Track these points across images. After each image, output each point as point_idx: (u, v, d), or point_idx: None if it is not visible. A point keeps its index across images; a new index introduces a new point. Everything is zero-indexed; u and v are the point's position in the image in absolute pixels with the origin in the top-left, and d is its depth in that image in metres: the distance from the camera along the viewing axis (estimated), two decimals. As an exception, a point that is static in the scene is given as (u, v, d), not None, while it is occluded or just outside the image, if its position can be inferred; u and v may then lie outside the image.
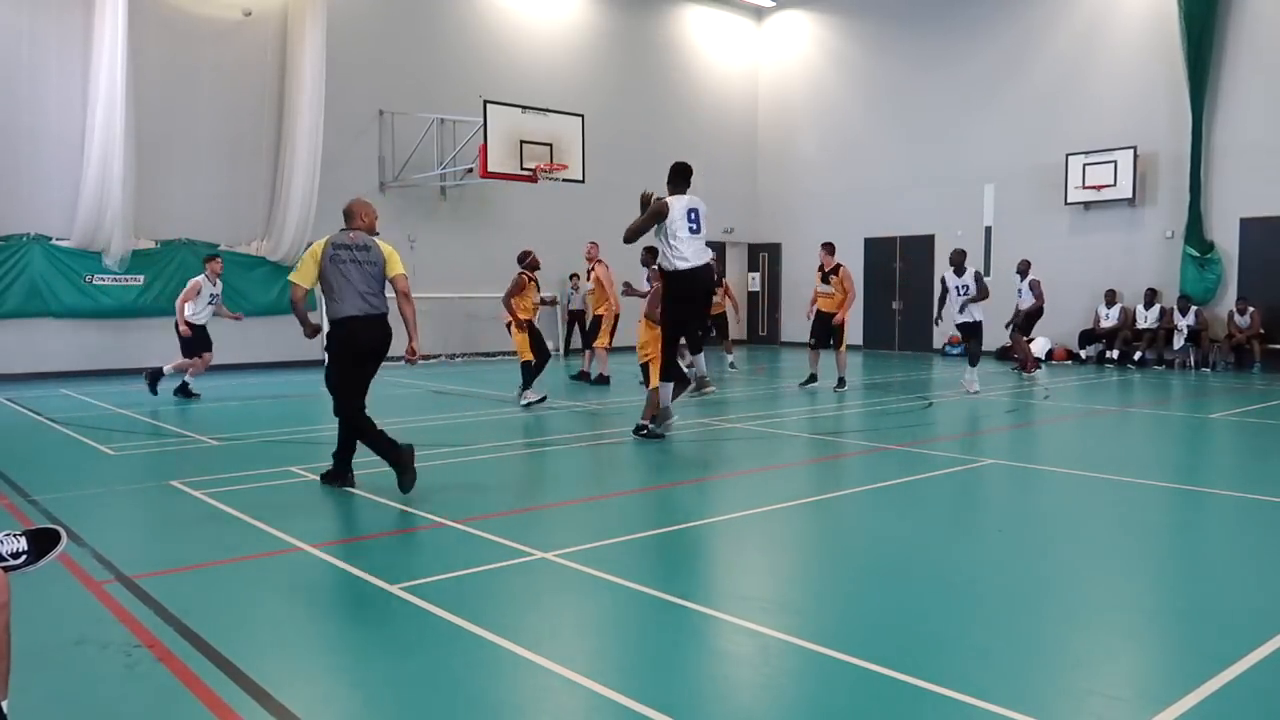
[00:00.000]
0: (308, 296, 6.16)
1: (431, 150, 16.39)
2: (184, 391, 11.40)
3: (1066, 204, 17.12)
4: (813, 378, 12.46)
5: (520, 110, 15.34)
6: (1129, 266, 16.54)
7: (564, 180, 15.89)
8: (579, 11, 19.25)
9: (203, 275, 11.55)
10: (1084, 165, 16.68)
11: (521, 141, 15.18)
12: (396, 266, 6.17)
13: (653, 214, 7.63)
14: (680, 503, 5.96)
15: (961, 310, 12.20)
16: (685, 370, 8.19)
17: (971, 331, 12.25)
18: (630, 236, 7.73)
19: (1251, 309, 14.95)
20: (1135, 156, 16.16)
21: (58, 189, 13.57)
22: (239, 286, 15.09)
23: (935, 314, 12.78)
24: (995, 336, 18.11)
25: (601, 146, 17.71)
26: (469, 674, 3.24)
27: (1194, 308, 15.45)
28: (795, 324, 22.02)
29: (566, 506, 5.88)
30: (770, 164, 22.34)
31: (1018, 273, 14.99)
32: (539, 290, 11.23)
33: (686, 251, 7.54)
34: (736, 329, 19.86)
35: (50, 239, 13.59)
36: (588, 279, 13.85)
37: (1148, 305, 16.05)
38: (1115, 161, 16.31)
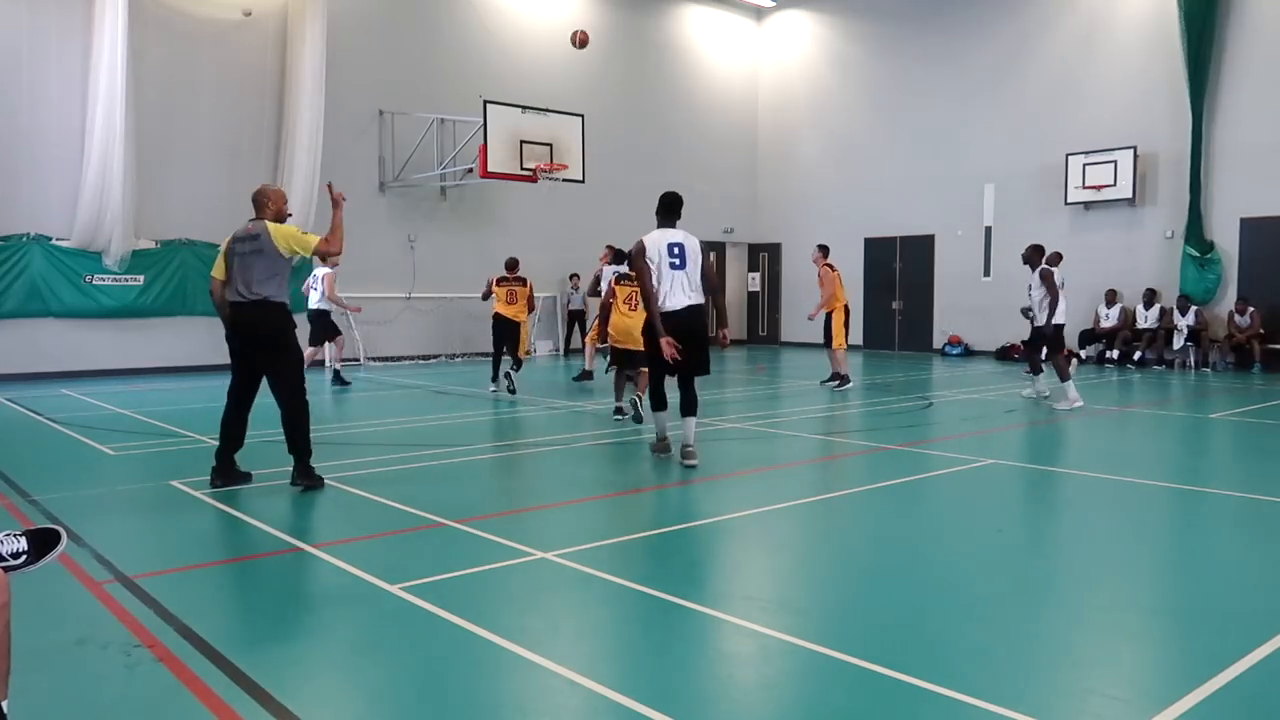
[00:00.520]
0: (225, 288, 6.15)
1: (431, 150, 16.39)
2: (338, 378, 12.77)
3: (1066, 204, 17.12)
4: (835, 376, 12.66)
5: (520, 110, 15.34)
6: (1129, 266, 16.54)
7: (564, 180, 15.89)
8: (579, 12, 19.24)
9: (332, 270, 12.48)
10: (1084, 165, 16.68)
11: (521, 141, 15.18)
12: (296, 245, 6.05)
13: (634, 255, 6.97)
14: (680, 503, 5.96)
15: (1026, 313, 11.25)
16: (661, 440, 7.33)
17: (1034, 339, 11.13)
18: (644, 280, 6.85)
19: (1251, 309, 14.95)
20: (1135, 156, 16.16)
21: (58, 189, 13.57)
22: (239, 286, 15.09)
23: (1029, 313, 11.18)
24: (994, 335, 18.15)
25: (601, 146, 17.72)
26: (469, 674, 3.24)
27: (1194, 307, 15.45)
28: (795, 324, 22.03)
29: (566, 506, 5.88)
30: (770, 164, 22.34)
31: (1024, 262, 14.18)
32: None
33: (666, 290, 6.80)
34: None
35: (50, 239, 13.59)
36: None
37: (1147, 305, 16.06)
38: (1115, 161, 16.31)
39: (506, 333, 11.90)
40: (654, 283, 6.81)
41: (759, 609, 3.87)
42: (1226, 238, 15.56)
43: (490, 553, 4.66)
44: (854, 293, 20.58)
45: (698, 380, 7.29)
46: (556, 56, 18.85)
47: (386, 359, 16.50)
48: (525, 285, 12.16)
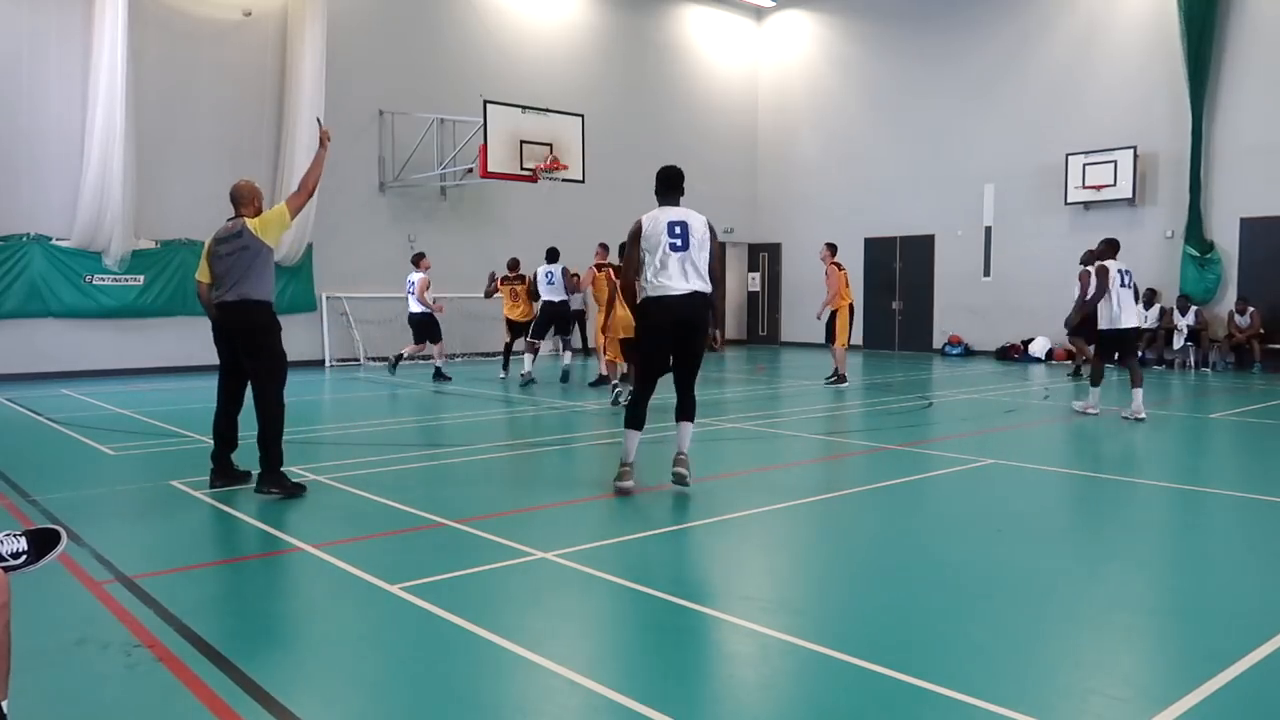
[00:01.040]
0: (211, 290, 6.17)
1: (431, 150, 16.38)
2: (393, 370, 13.84)
3: (1066, 204, 17.12)
4: (840, 377, 12.87)
5: (520, 110, 15.33)
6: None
7: (564, 180, 15.89)
8: (579, 11, 19.25)
9: (422, 270, 13.48)
10: (1084, 165, 16.68)
11: (521, 141, 15.18)
12: (275, 224, 6.04)
13: (629, 236, 6.26)
14: (680, 503, 5.96)
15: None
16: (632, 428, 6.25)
17: (1101, 343, 10.18)
18: (623, 282, 6.34)
19: (1251, 309, 14.95)
20: (1135, 156, 16.16)
21: (58, 189, 13.57)
22: (239, 286, 15.09)
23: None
24: (994, 335, 18.14)
25: (601, 146, 17.72)
26: (469, 674, 3.24)
27: (1194, 307, 15.45)
28: (795, 324, 22.03)
29: (566, 506, 5.88)
30: (770, 164, 22.34)
31: (1081, 263, 13.61)
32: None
33: (664, 272, 5.99)
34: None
35: (50, 239, 13.59)
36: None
37: (1147, 305, 16.05)
38: (1115, 161, 16.31)
39: (518, 332, 13.48)
40: (644, 270, 6.03)
41: (759, 609, 3.87)
42: (1226, 238, 15.56)
43: (490, 553, 4.66)
44: (854, 293, 20.62)
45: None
46: (556, 56, 18.86)
47: (386, 359, 16.47)
48: (524, 282, 13.34)
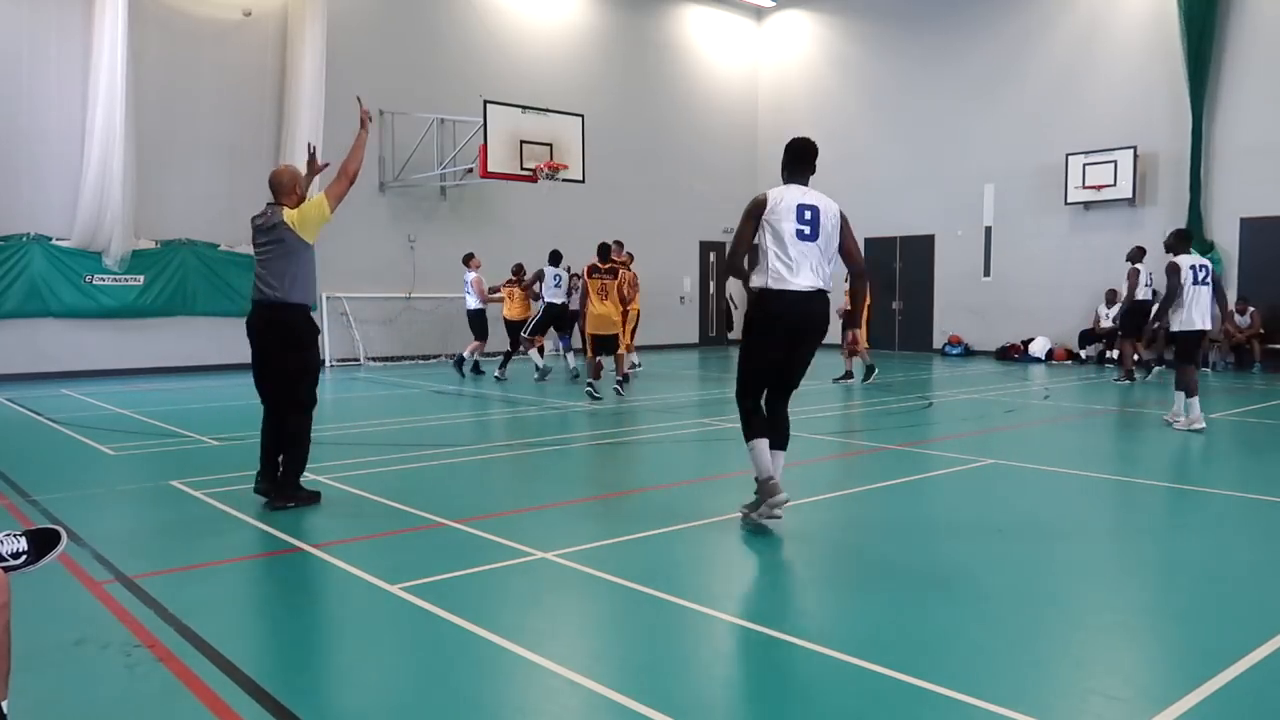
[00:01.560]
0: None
1: (431, 150, 16.38)
2: (475, 369, 14.33)
3: (1066, 204, 17.12)
4: (870, 369, 13.24)
5: (520, 110, 15.33)
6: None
7: (564, 180, 15.89)
8: (579, 11, 19.25)
9: (474, 269, 14.29)
10: (1084, 165, 16.67)
11: (521, 141, 15.18)
12: (314, 218, 5.55)
13: (745, 213, 5.15)
14: (680, 503, 5.96)
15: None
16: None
17: (1179, 348, 9.16)
18: (730, 261, 5.31)
19: (1252, 309, 14.95)
20: (1135, 156, 16.15)
21: (58, 189, 13.58)
22: (238, 286, 15.09)
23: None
24: (994, 335, 18.14)
25: (601, 146, 17.72)
26: (469, 674, 3.24)
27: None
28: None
29: (566, 506, 5.88)
30: (770, 164, 22.22)
31: (1128, 259, 13.80)
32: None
33: (786, 263, 5.00)
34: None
35: (50, 239, 13.59)
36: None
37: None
38: (1115, 161, 16.30)
39: (516, 333, 14.10)
40: (762, 257, 5.04)
41: (759, 609, 3.87)
42: (1226, 238, 15.55)
43: (490, 553, 4.66)
44: (854, 293, 20.63)
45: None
46: (556, 56, 18.85)
47: (386, 359, 16.50)
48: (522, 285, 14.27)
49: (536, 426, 9.47)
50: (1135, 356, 13.77)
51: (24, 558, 2.70)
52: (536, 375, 13.43)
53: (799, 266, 5.03)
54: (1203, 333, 8.93)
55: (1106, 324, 16.39)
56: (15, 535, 2.73)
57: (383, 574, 4.26)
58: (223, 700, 2.98)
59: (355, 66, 16.07)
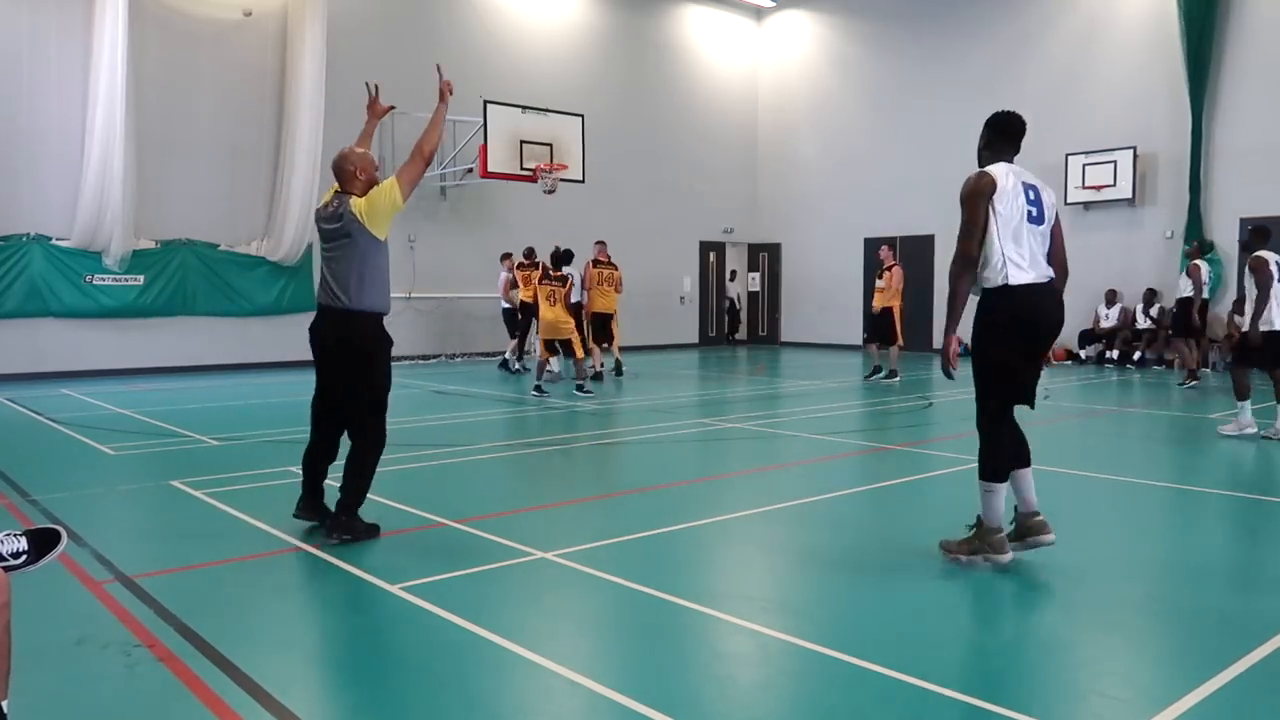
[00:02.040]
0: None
1: (431, 150, 16.36)
2: (505, 367, 14.70)
3: (1066, 204, 17.10)
4: (876, 369, 13.48)
5: (520, 110, 15.34)
6: (1129, 266, 16.53)
7: (564, 180, 15.89)
8: (579, 11, 19.25)
9: (505, 268, 14.70)
10: (1084, 165, 16.67)
11: (521, 141, 15.18)
12: (386, 206, 4.80)
13: (973, 195, 4.35)
14: (680, 503, 5.96)
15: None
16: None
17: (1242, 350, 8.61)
18: (964, 254, 4.43)
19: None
20: (1135, 156, 16.15)
21: (58, 189, 13.57)
22: (238, 286, 15.12)
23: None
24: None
25: (601, 146, 17.71)
26: (469, 674, 3.24)
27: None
28: (795, 324, 22.04)
29: (566, 506, 5.88)
30: (770, 164, 22.33)
31: (1186, 256, 13.46)
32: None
33: (1020, 252, 4.31)
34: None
35: (50, 239, 13.58)
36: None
37: (1147, 305, 16.05)
38: (1115, 161, 16.30)
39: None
40: (997, 243, 4.29)
41: (759, 609, 3.87)
42: (1226, 238, 15.55)
43: (490, 553, 4.66)
44: (854, 293, 20.67)
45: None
46: (557, 56, 18.85)
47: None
48: (539, 270, 14.18)
49: (536, 426, 9.47)
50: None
51: (24, 558, 2.70)
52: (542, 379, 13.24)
53: (1033, 255, 4.34)
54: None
55: (1106, 324, 16.40)
56: (15, 535, 2.73)
57: (383, 574, 4.26)
58: (223, 700, 2.98)
59: (355, 66, 16.04)
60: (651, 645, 3.51)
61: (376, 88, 5.71)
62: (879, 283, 13.57)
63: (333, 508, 4.99)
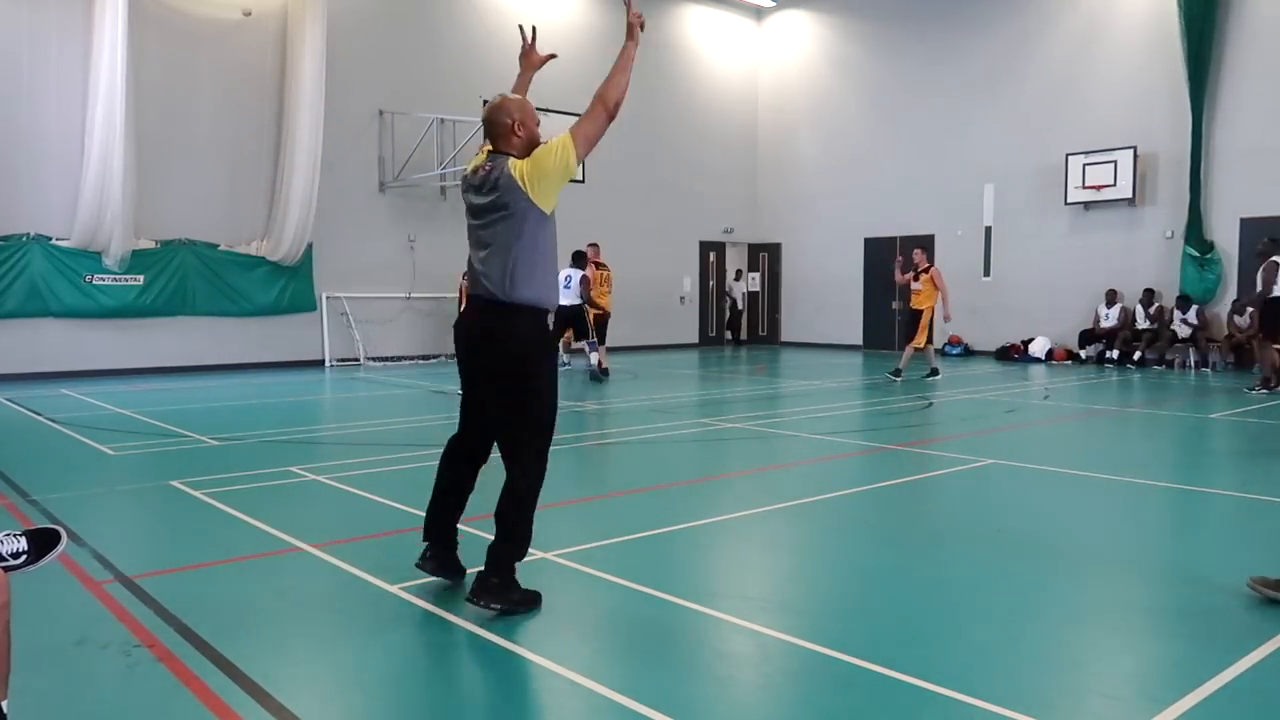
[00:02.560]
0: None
1: (431, 150, 16.38)
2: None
3: (1066, 204, 17.11)
4: (934, 371, 13.69)
5: (520, 110, 15.31)
6: (1129, 266, 16.53)
7: (563, 180, 15.88)
8: (579, 11, 19.25)
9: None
10: (1084, 165, 16.67)
11: (522, 141, 15.16)
12: (558, 170, 3.73)
13: None
14: (680, 503, 5.96)
15: None
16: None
17: None
18: None
19: (1251, 309, 14.93)
20: (1135, 156, 16.15)
21: (58, 189, 13.57)
22: (238, 286, 15.11)
23: None
24: (994, 335, 18.13)
25: (601, 146, 17.58)
26: (469, 674, 3.24)
27: (1194, 307, 15.46)
28: (795, 324, 22.04)
29: (566, 506, 5.88)
30: (770, 164, 22.33)
31: (1257, 255, 12.60)
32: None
33: None
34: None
35: (50, 239, 13.58)
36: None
37: (1147, 305, 16.05)
38: (1115, 161, 16.30)
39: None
40: None
41: (759, 609, 3.87)
42: (1226, 238, 15.56)
43: (490, 553, 4.65)
44: (854, 293, 20.68)
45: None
46: (557, 56, 18.83)
47: (386, 359, 16.49)
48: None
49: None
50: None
51: (24, 558, 2.70)
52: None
53: None
54: None
55: (1107, 324, 16.40)
56: (15, 535, 2.73)
57: (383, 574, 4.26)
58: (223, 700, 2.98)
59: (355, 66, 16.08)
60: (651, 645, 3.51)
61: (534, 30, 4.81)
62: (915, 284, 13.81)
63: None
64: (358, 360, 16.11)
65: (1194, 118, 15.45)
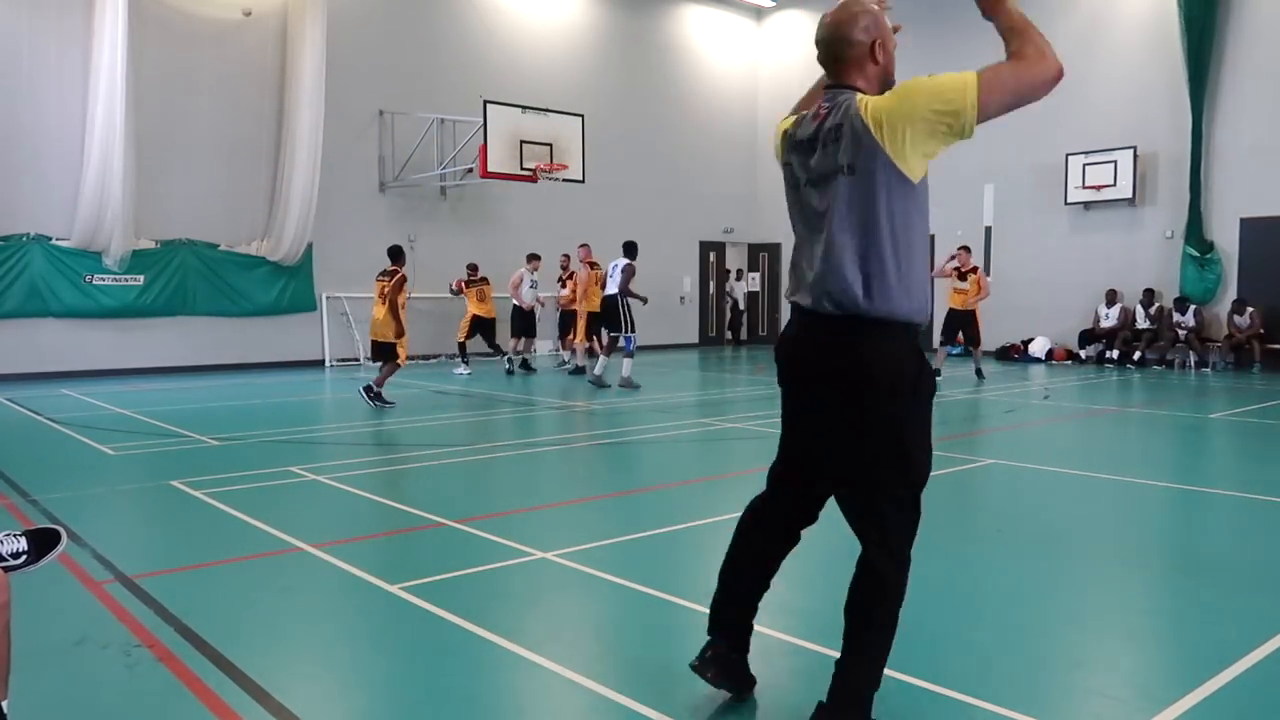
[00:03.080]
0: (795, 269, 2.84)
1: (431, 150, 16.38)
2: (525, 367, 14.95)
3: (1066, 204, 17.11)
4: (936, 372, 13.23)
5: (520, 110, 15.33)
6: (1129, 266, 16.53)
7: (564, 180, 15.90)
8: (579, 11, 19.25)
9: (524, 269, 15.01)
10: (1084, 165, 16.67)
11: (521, 141, 15.18)
12: (948, 114, 2.55)
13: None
14: (680, 503, 5.96)
15: None
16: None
17: None
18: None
19: (1251, 309, 14.94)
20: (1135, 156, 16.15)
21: (58, 189, 13.57)
22: (239, 286, 15.11)
23: None
24: (994, 335, 18.13)
25: (601, 146, 17.71)
26: (469, 674, 3.24)
27: (1194, 307, 15.46)
28: (795, 324, 22.00)
29: (566, 506, 5.88)
30: (770, 164, 22.22)
31: None
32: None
33: None
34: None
35: (50, 239, 13.58)
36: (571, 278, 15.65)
37: (1147, 305, 16.05)
38: (1115, 161, 16.30)
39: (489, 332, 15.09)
40: None
41: (759, 609, 3.86)
42: (1226, 238, 15.55)
43: (490, 553, 4.66)
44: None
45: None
46: (557, 56, 18.85)
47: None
48: (487, 284, 15.08)
49: (536, 426, 9.47)
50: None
51: (24, 558, 2.70)
52: (594, 381, 12.57)
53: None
54: None
55: (1106, 324, 16.40)
56: (15, 535, 2.73)
57: (383, 574, 4.26)
58: (223, 700, 2.98)
59: (355, 66, 16.08)
60: (651, 645, 3.51)
61: None
62: (962, 284, 13.75)
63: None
64: (358, 360, 16.11)
65: (1194, 117, 15.45)
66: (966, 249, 14.38)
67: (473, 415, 10.17)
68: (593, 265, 14.62)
